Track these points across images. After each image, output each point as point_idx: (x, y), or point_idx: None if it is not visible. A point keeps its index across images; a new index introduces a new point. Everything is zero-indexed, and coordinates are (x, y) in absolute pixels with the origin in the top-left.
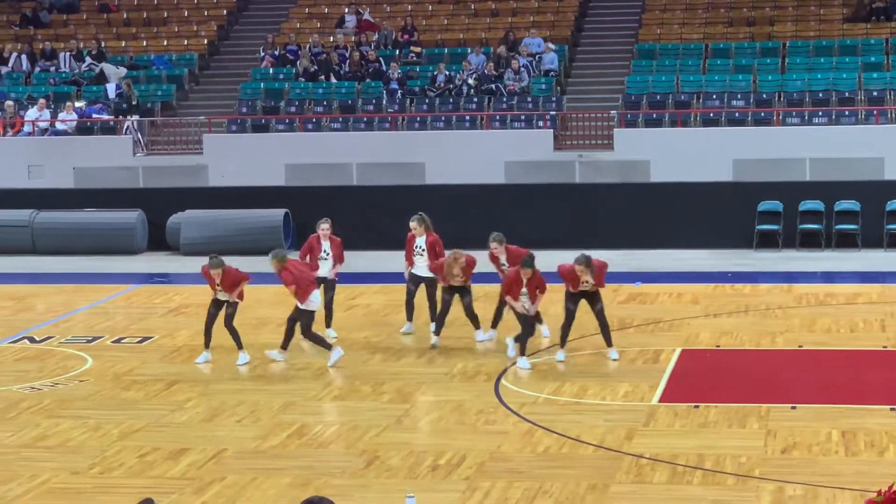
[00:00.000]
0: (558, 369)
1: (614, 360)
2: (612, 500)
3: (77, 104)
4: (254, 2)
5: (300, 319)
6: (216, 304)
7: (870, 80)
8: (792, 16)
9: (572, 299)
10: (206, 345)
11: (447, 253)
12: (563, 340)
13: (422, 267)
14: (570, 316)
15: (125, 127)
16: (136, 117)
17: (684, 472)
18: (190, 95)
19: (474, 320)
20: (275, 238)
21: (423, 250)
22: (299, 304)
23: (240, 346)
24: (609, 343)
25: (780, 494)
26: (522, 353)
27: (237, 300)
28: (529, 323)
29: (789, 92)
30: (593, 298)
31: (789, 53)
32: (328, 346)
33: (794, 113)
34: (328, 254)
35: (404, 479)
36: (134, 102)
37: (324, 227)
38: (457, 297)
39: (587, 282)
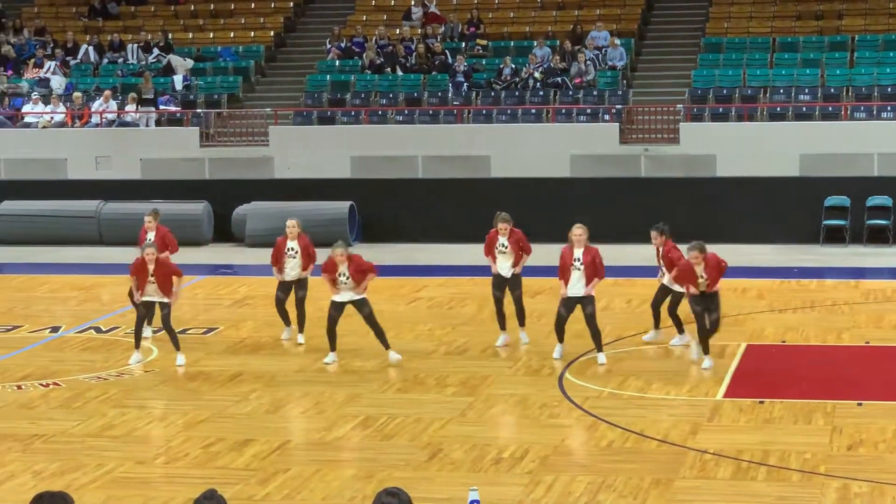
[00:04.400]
0: (704, 374)
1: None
2: (676, 494)
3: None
4: None
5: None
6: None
7: None
8: (861, 10)
9: (696, 300)
10: (333, 347)
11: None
12: (705, 347)
13: (505, 267)
14: (699, 318)
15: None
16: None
17: (748, 468)
18: (256, 87)
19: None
20: (340, 230)
21: (507, 248)
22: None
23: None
24: (706, 351)
25: (846, 492)
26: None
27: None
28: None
29: (857, 86)
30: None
31: (858, 47)
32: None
33: (862, 107)
34: (296, 252)
35: (467, 472)
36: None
37: (289, 226)
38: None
39: (702, 277)
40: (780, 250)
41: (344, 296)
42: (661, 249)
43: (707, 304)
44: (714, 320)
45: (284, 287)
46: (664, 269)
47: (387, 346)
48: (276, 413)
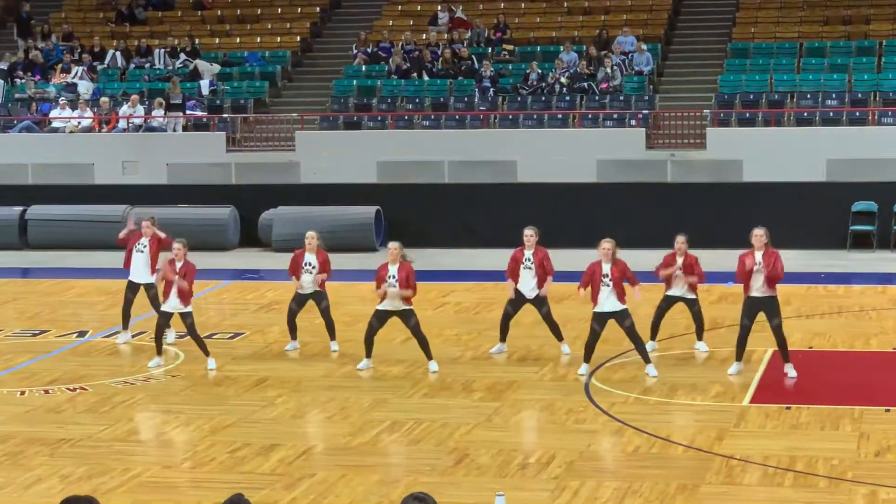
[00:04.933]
0: (730, 380)
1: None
2: (702, 500)
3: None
4: None
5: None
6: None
7: None
8: (889, 14)
9: (747, 314)
10: (369, 354)
11: None
12: (740, 354)
13: (529, 286)
14: (745, 331)
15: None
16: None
17: (775, 474)
18: (283, 92)
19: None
20: (366, 235)
21: (532, 263)
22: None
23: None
24: (737, 358)
25: (874, 498)
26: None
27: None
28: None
29: (885, 91)
30: (771, 311)
31: (886, 52)
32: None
33: (889, 112)
34: (313, 266)
35: (494, 477)
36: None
37: (308, 238)
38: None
39: (759, 264)
40: (808, 255)
41: (388, 304)
42: (684, 257)
43: (766, 310)
44: (776, 326)
45: (300, 299)
46: (682, 275)
47: (429, 357)
48: (302, 418)
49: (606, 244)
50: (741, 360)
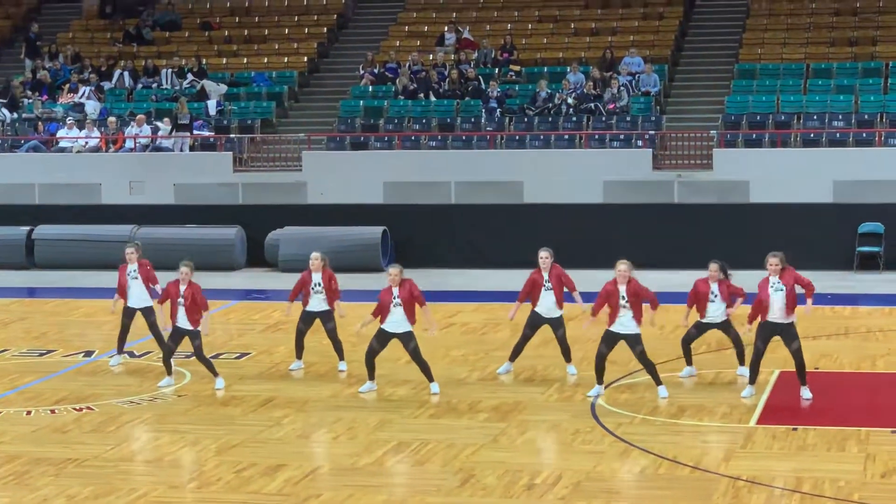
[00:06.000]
0: (737, 401)
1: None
2: None
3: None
4: (354, 20)
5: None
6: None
7: None
8: (895, 36)
9: (761, 337)
10: (372, 377)
11: None
12: (753, 377)
13: (550, 305)
14: (759, 354)
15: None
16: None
17: (782, 495)
18: (289, 112)
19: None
20: (373, 256)
21: (549, 284)
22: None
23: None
24: (752, 381)
25: None
26: (752, 381)
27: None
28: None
29: (891, 112)
30: (788, 336)
31: (892, 74)
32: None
33: None
34: (320, 286)
35: (500, 497)
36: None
37: (313, 259)
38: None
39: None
40: (814, 277)
41: (390, 324)
42: (718, 285)
43: (783, 335)
44: (795, 350)
45: (307, 318)
46: (721, 300)
47: (430, 379)
48: (309, 438)
49: (622, 265)
50: (754, 383)
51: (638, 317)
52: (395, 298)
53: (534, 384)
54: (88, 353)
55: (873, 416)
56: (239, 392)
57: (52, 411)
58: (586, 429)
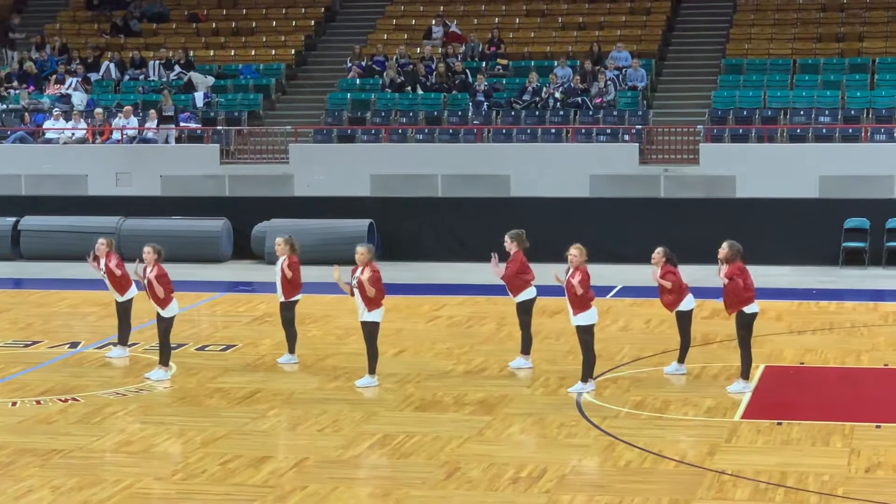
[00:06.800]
0: (723, 395)
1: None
2: None
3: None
4: (341, 13)
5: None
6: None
7: None
8: (882, 32)
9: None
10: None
11: None
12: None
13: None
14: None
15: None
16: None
17: (766, 490)
18: (277, 105)
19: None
20: None
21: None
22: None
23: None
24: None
25: None
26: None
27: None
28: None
29: (878, 108)
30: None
31: (879, 70)
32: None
33: (882, 129)
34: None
35: (485, 490)
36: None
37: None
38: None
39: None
40: (799, 272)
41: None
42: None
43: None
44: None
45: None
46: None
47: (370, 371)
48: (294, 430)
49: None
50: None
51: (576, 306)
52: (353, 280)
53: (519, 377)
54: (74, 345)
55: (858, 410)
56: (224, 384)
57: (38, 402)
58: (571, 422)
